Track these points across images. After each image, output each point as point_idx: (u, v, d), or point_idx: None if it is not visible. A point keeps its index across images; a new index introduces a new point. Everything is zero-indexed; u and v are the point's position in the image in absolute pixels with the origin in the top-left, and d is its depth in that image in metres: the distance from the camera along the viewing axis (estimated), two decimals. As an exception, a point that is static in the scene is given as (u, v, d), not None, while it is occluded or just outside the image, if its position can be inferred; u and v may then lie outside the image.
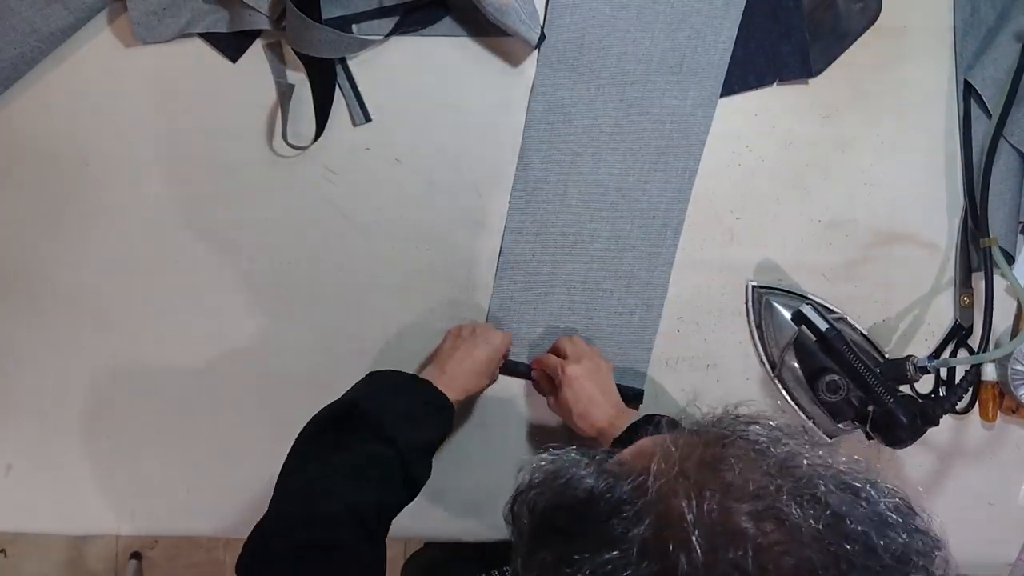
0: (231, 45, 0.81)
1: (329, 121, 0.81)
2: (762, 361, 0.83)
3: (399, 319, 0.81)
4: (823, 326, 0.76)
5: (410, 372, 0.73)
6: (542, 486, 0.43)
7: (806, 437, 0.41)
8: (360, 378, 0.71)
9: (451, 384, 0.71)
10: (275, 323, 0.82)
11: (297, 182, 0.81)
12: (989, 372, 0.83)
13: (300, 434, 0.66)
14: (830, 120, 0.84)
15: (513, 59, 0.82)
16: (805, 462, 0.38)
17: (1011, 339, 0.83)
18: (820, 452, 0.39)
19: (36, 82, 0.80)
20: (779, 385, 0.82)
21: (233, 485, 0.81)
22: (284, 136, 0.80)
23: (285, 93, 0.80)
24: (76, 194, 0.81)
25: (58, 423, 0.81)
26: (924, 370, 0.75)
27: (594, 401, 0.73)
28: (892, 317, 0.83)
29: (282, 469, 0.64)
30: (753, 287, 0.82)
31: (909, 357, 0.76)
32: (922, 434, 0.74)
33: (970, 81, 0.82)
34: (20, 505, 0.81)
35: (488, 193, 0.82)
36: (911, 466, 0.84)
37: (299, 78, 0.81)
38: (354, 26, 0.80)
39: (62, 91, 0.81)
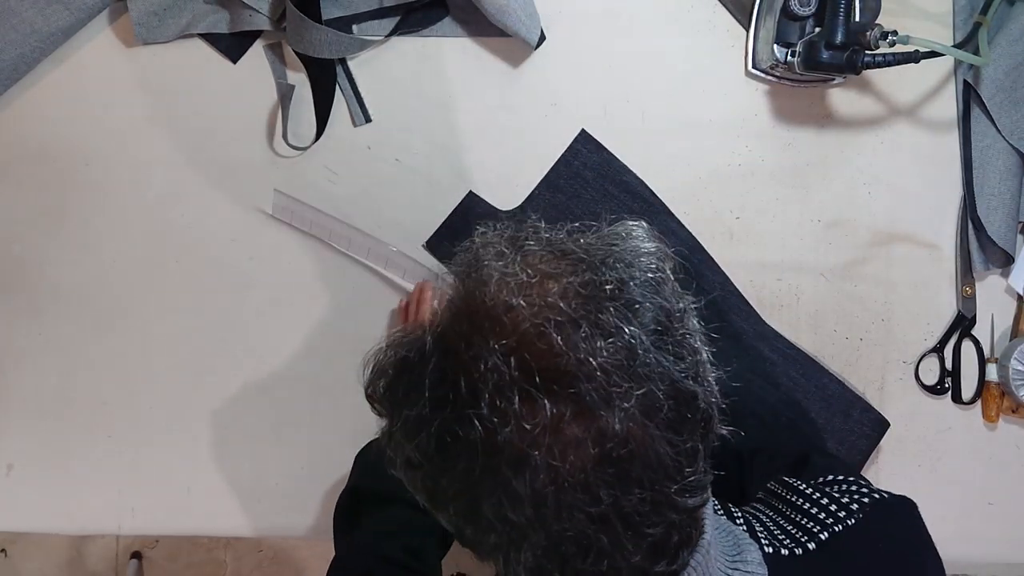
0: (231, 45, 0.81)
1: (329, 121, 0.81)
2: None
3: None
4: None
5: None
6: (372, 377, 0.45)
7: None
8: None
9: None
10: (275, 323, 0.82)
11: (297, 182, 0.81)
12: (991, 373, 0.83)
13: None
14: (830, 120, 0.84)
15: (513, 59, 0.82)
16: (531, 243, 0.43)
17: (1011, 339, 0.83)
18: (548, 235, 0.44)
19: (37, 82, 0.80)
20: None
21: (233, 485, 0.81)
22: (284, 136, 0.80)
23: (285, 93, 0.80)
24: (76, 194, 0.81)
25: (58, 423, 0.81)
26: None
27: None
28: (893, 315, 0.83)
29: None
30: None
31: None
32: None
33: (970, 81, 0.82)
34: (20, 505, 0.81)
35: (488, 193, 0.82)
36: (911, 466, 0.84)
37: (299, 78, 0.81)
38: (354, 26, 0.80)
39: (63, 91, 0.81)
